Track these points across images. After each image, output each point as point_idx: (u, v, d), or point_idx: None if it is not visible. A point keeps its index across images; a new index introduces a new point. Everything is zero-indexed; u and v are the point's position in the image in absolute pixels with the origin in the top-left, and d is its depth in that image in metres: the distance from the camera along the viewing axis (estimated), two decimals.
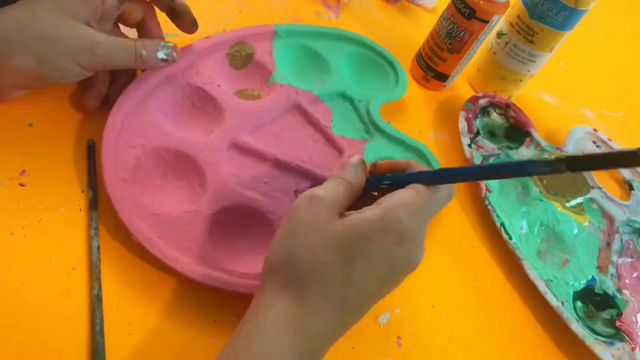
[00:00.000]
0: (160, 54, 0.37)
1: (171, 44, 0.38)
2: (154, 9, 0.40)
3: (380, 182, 0.32)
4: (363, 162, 0.32)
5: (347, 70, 0.48)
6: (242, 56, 0.44)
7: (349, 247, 0.26)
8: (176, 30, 0.40)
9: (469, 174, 0.29)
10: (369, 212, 0.27)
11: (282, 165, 0.40)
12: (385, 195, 0.29)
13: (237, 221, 0.36)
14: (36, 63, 0.32)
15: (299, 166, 0.40)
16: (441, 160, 0.48)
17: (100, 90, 0.38)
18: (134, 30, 0.40)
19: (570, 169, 0.23)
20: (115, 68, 0.37)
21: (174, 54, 0.38)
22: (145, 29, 0.39)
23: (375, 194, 0.32)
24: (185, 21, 0.39)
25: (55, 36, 0.32)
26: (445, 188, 0.30)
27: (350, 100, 0.45)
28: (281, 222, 0.29)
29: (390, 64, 0.49)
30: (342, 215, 0.28)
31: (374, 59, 0.49)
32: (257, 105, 0.41)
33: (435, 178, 0.30)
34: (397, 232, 0.27)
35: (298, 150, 0.41)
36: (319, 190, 0.29)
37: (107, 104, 0.38)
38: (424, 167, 0.31)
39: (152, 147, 0.36)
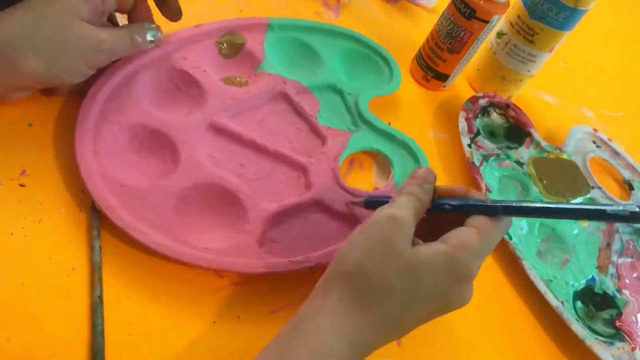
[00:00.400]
0: (149, 36, 0.38)
1: (155, 25, 0.39)
2: None
3: (445, 206, 0.31)
4: (434, 177, 0.32)
5: (340, 65, 0.48)
6: (232, 46, 0.44)
7: (415, 278, 0.27)
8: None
9: (549, 212, 0.29)
10: (437, 248, 0.28)
11: (259, 149, 0.40)
12: (450, 233, 0.29)
13: (206, 199, 0.36)
14: (46, 66, 0.32)
15: (277, 151, 0.40)
16: (441, 160, 0.48)
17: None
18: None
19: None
20: (115, 59, 0.37)
21: (159, 34, 0.39)
22: (136, 14, 0.39)
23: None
24: (169, 8, 0.40)
25: (65, 38, 0.33)
26: (503, 223, 0.30)
27: (340, 93, 0.46)
28: (355, 230, 0.29)
29: (385, 60, 0.49)
30: (414, 241, 0.29)
31: (368, 55, 0.49)
32: (241, 91, 0.42)
33: (507, 212, 0.29)
34: (460, 274, 0.28)
35: (279, 136, 0.41)
36: (398, 211, 0.29)
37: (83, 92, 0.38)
38: (481, 195, 0.31)
39: (129, 123, 0.37)
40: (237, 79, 0.44)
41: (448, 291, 0.28)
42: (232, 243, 0.35)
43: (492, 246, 0.30)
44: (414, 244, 0.29)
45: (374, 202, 0.36)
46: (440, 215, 0.32)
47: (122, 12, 0.39)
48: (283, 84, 0.43)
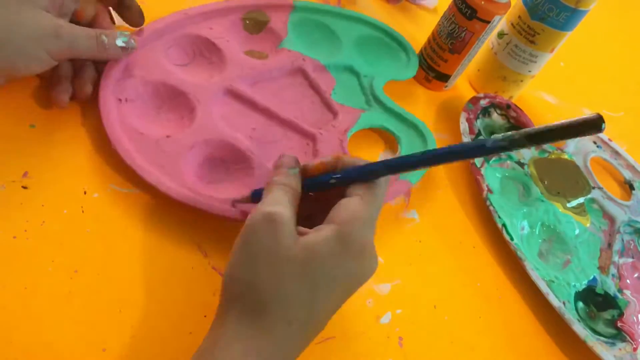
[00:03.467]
0: (119, 42, 0.37)
1: (127, 32, 0.38)
2: (106, 6, 0.40)
3: (321, 182, 0.31)
4: (297, 161, 0.31)
5: (358, 49, 0.49)
6: (256, 22, 0.47)
7: (312, 273, 0.26)
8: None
9: (429, 160, 0.28)
10: (325, 232, 0.27)
11: (272, 116, 0.42)
12: (334, 209, 0.28)
13: (217, 155, 0.38)
14: None
15: (289, 119, 0.42)
16: None
17: (67, 85, 0.37)
18: None
19: (529, 141, 0.25)
20: (80, 56, 0.36)
21: (132, 41, 0.38)
22: (98, 26, 0.39)
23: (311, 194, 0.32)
24: (133, 14, 0.40)
25: (18, 21, 0.32)
26: (383, 183, 0.30)
27: (357, 75, 0.47)
28: (235, 244, 0.28)
29: (404, 47, 0.52)
30: (300, 232, 0.28)
31: (386, 42, 0.52)
32: (261, 63, 0.44)
33: (390, 170, 0.29)
34: (356, 250, 0.27)
35: (292, 107, 0.43)
36: (272, 208, 0.27)
37: (74, 98, 0.37)
38: (354, 161, 0.30)
39: (151, 79, 0.39)
40: (258, 52, 0.46)
41: (351, 270, 0.27)
42: (235, 196, 0.36)
43: (379, 207, 0.29)
44: (300, 234, 0.27)
45: (259, 194, 0.34)
46: (323, 192, 0.31)
47: (82, 23, 0.38)
48: (302, 61, 0.45)
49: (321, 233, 0.27)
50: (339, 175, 0.30)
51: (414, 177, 0.42)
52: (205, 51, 0.43)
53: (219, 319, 0.27)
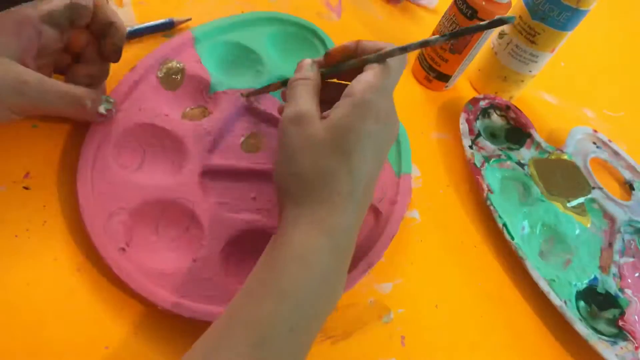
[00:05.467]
0: (101, 109, 0.35)
1: (113, 100, 0.36)
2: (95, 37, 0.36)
3: (333, 70, 0.34)
4: (314, 60, 0.34)
5: (275, 52, 0.46)
6: (173, 75, 0.41)
7: (341, 146, 0.29)
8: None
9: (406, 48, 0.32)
10: (343, 107, 0.29)
11: (260, 174, 0.39)
12: (350, 84, 0.31)
13: (246, 248, 0.36)
14: None
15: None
16: (443, 160, 0.48)
17: (88, 70, 0.35)
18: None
19: (452, 37, 0.30)
20: (52, 114, 0.34)
21: (113, 110, 0.36)
22: (84, 60, 0.36)
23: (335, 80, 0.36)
24: (110, 44, 0.35)
25: None
26: (397, 60, 0.32)
27: None
28: (276, 148, 0.31)
29: (314, 33, 0.48)
30: (321, 117, 0.30)
31: (296, 33, 0.49)
32: (211, 122, 0.40)
33: (382, 57, 0.32)
34: (373, 113, 0.30)
35: (265, 153, 0.40)
36: (295, 108, 0.30)
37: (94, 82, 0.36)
38: (374, 44, 0.33)
39: (132, 207, 0.34)
40: (195, 109, 0.41)
41: (374, 133, 0.30)
42: None
43: (394, 79, 0.32)
44: (325, 118, 0.30)
45: (255, 94, 0.41)
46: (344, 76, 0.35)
47: (72, 51, 0.36)
48: (241, 97, 0.42)
49: (339, 109, 0.30)
50: (354, 61, 0.33)
51: (407, 167, 0.43)
52: (152, 138, 0.38)
53: (282, 215, 0.30)
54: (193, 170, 0.37)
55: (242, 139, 0.41)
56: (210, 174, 0.38)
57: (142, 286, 0.32)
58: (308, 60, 0.34)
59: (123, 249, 0.33)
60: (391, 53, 0.31)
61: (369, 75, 0.31)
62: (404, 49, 0.31)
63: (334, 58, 0.34)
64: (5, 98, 0.30)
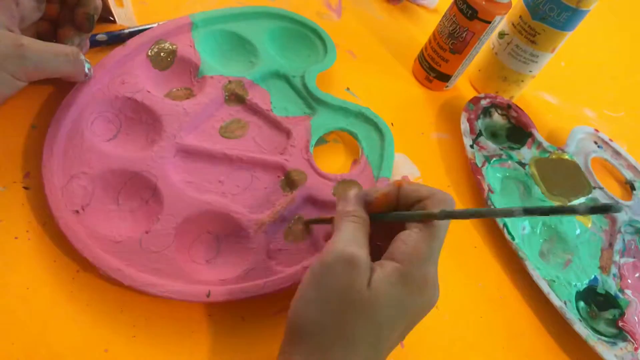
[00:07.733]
0: (87, 68, 0.36)
1: (89, 63, 0.36)
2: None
3: (381, 219, 0.30)
4: (361, 198, 0.30)
5: (273, 47, 0.46)
6: (164, 55, 0.42)
7: (378, 314, 0.26)
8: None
9: (467, 215, 0.29)
10: (387, 271, 0.27)
11: (232, 160, 0.39)
12: (394, 242, 0.28)
13: (203, 228, 0.35)
14: None
15: (250, 157, 0.39)
16: (443, 160, 0.48)
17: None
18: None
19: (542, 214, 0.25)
20: (48, 75, 0.33)
21: (92, 70, 0.37)
22: (59, 27, 0.36)
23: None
24: (82, 12, 0.36)
25: None
26: (443, 223, 0.29)
27: (285, 78, 0.45)
28: (306, 280, 0.27)
29: (315, 31, 0.48)
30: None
31: (297, 30, 0.49)
32: (192, 103, 0.40)
33: (446, 216, 0.28)
34: (417, 285, 0.27)
35: (245, 141, 0.40)
36: (350, 248, 0.27)
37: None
38: (416, 189, 0.30)
39: (96, 173, 0.34)
40: (181, 89, 0.42)
41: (414, 305, 0.27)
42: (246, 266, 0.34)
43: (441, 242, 0.29)
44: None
45: (315, 222, 0.36)
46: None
47: (53, 15, 0.36)
48: (229, 84, 0.42)
49: (384, 272, 0.27)
50: (400, 215, 0.29)
51: (387, 172, 0.42)
52: (131, 112, 0.38)
53: (283, 356, 0.27)
54: (164, 147, 0.37)
55: (222, 124, 0.41)
56: (183, 153, 0.38)
57: (89, 249, 0.32)
58: (357, 198, 0.30)
59: (77, 212, 0.33)
60: (434, 216, 0.28)
61: (414, 239, 0.27)
62: (450, 215, 0.27)
63: (376, 208, 0.30)
64: (7, 65, 0.30)
